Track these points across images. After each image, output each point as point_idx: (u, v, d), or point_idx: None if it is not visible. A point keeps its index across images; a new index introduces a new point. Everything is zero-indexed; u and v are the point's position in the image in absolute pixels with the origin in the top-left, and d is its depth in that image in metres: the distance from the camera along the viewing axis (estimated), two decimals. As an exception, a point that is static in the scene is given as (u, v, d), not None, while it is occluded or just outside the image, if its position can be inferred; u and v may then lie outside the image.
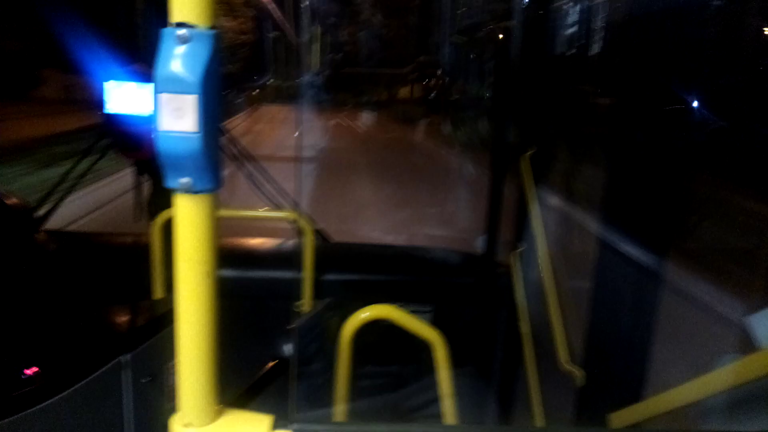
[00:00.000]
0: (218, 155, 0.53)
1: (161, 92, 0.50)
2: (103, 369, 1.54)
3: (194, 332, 0.57)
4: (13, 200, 2.05)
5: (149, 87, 1.98)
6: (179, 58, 0.49)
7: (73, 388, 1.44)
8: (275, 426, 0.60)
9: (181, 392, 0.58)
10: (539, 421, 1.75)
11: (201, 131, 0.50)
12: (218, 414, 0.60)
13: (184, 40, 0.49)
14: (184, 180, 0.52)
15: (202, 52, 0.50)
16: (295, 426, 0.60)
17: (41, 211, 2.21)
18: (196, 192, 0.53)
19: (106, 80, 1.98)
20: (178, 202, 0.54)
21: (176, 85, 0.50)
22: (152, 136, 1.74)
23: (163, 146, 0.51)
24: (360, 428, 0.61)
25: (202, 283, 0.56)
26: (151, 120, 1.75)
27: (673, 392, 1.11)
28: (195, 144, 0.51)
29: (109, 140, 2.16)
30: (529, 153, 2.14)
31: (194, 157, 0.51)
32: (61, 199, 2.33)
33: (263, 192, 2.43)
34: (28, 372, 1.40)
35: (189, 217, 0.54)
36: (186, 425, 0.58)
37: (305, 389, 1.56)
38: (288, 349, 1.51)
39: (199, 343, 0.57)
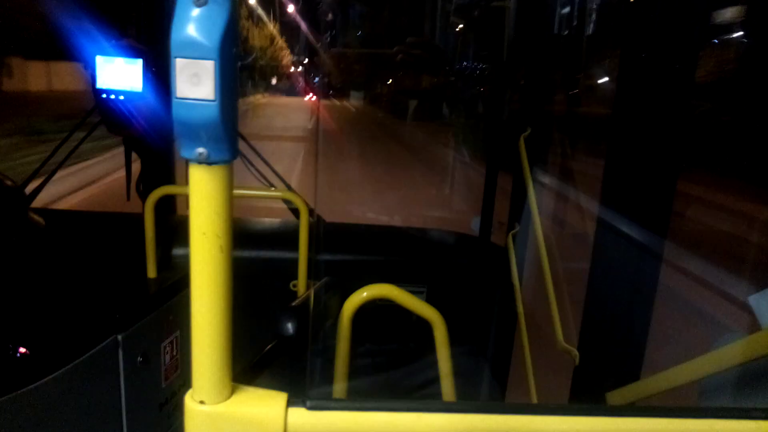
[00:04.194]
0: (235, 124, 0.51)
1: (177, 57, 0.48)
2: (97, 349, 1.52)
3: (208, 307, 0.55)
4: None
5: (138, 63, 1.93)
6: (196, 22, 0.47)
7: (66, 368, 1.42)
8: (289, 404, 0.59)
9: (194, 369, 0.57)
10: (535, 399, 1.77)
11: (218, 99, 0.48)
12: (231, 391, 0.58)
13: (200, 3, 0.47)
14: (200, 150, 0.50)
15: (220, 14, 0.47)
16: (310, 403, 0.59)
17: (30, 189, 2.16)
18: (211, 163, 0.51)
19: (96, 55, 1.93)
20: (193, 174, 0.52)
21: (193, 50, 0.47)
22: (141, 113, 1.69)
23: (178, 114, 0.49)
24: (373, 405, 0.60)
25: (217, 258, 0.54)
26: (140, 97, 1.70)
27: (673, 371, 1.12)
28: (212, 112, 0.48)
29: (98, 117, 2.11)
30: (524, 134, 2.13)
31: (211, 126, 0.49)
32: (50, 177, 2.29)
33: (256, 171, 2.40)
34: (22, 350, 1.38)
35: (204, 190, 0.52)
36: (200, 402, 0.57)
37: (305, 368, 1.56)
38: (288, 328, 1.50)
39: (214, 318, 0.55)
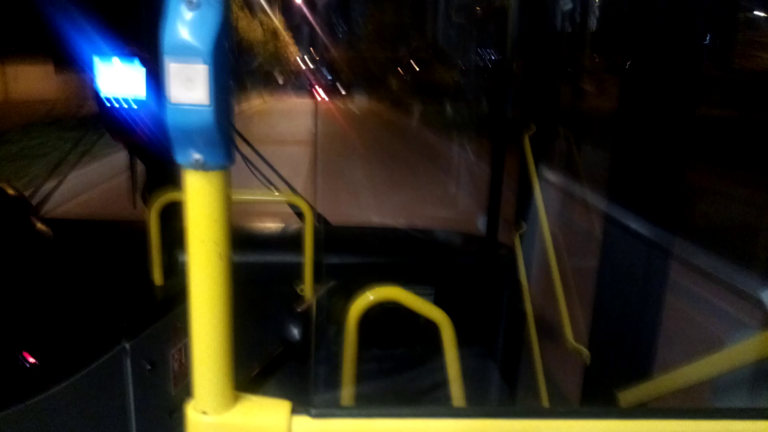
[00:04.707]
0: (231, 129, 0.50)
1: (170, 62, 0.47)
2: (105, 357, 1.52)
3: (208, 316, 0.54)
4: (6, 187, 2.00)
5: (139, 67, 1.93)
6: (189, 25, 0.46)
7: (74, 377, 1.42)
8: (293, 412, 0.58)
9: (196, 379, 0.56)
10: (546, 400, 1.75)
11: (212, 103, 0.47)
12: (234, 400, 0.57)
13: (193, 6, 0.46)
14: (196, 156, 0.49)
15: (213, 17, 0.46)
16: (314, 411, 0.58)
17: (36, 198, 2.17)
18: (207, 169, 0.50)
19: (95, 59, 1.92)
20: (189, 180, 0.51)
21: (186, 54, 0.46)
22: (143, 119, 1.67)
23: (172, 119, 0.48)
24: (378, 411, 0.59)
25: (216, 265, 0.53)
26: (142, 102, 1.69)
27: (684, 370, 1.10)
28: (206, 117, 0.47)
29: (100, 123, 2.11)
30: (529, 132, 2.12)
31: (206, 131, 0.48)
32: (57, 186, 2.29)
33: (260, 176, 2.39)
34: (29, 358, 1.38)
35: (200, 196, 0.51)
36: (202, 413, 0.56)
37: (311, 374, 1.55)
38: (294, 333, 1.48)
39: (213, 327, 0.54)
